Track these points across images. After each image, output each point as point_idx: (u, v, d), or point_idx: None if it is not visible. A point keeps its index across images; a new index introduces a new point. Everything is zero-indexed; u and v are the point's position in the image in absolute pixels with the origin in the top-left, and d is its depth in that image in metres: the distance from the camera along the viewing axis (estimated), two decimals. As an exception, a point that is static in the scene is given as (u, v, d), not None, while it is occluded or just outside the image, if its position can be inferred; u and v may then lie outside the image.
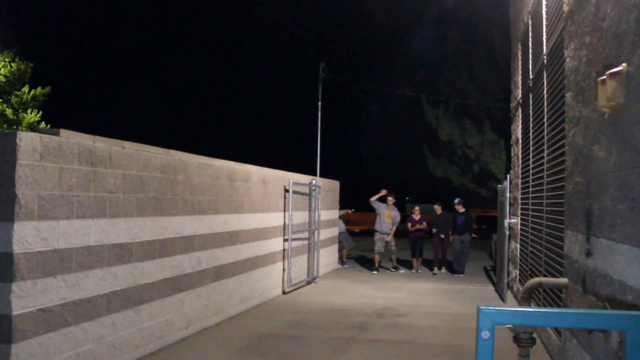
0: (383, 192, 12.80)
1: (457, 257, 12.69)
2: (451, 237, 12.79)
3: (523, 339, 2.81)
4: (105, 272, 5.11)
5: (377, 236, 12.88)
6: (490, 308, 2.25)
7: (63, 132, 4.69)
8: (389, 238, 12.81)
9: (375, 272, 12.75)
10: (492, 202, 19.09)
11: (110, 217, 5.17)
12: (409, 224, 13.17)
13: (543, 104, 6.83)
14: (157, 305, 5.95)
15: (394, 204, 13.12)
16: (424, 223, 13.15)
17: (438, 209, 13.21)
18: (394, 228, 13.02)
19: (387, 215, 12.84)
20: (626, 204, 3.28)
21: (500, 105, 19.71)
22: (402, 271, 12.90)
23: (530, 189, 8.01)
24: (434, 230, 12.98)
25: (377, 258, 13.06)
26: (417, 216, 13.16)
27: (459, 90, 22.90)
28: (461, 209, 12.71)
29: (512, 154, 10.87)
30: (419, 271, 12.91)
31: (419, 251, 13.06)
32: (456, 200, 12.87)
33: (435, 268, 12.89)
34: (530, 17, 8.11)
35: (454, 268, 12.68)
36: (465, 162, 23.42)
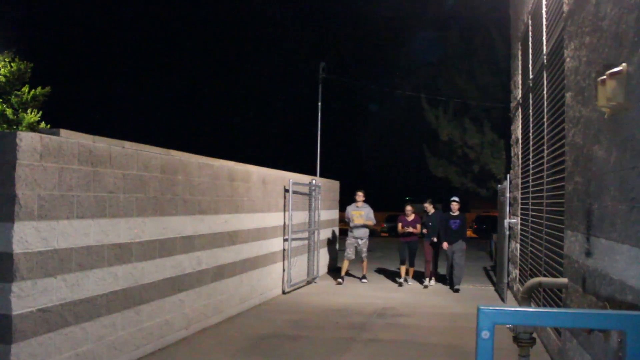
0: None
1: (449, 270, 10.66)
2: (443, 243, 10.70)
3: (523, 339, 2.81)
4: (105, 272, 5.11)
5: (348, 240, 11.30)
6: (490, 308, 2.25)
7: (63, 132, 4.69)
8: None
9: (340, 281, 11.05)
10: (492, 202, 19.09)
11: (110, 217, 5.17)
12: (400, 225, 11.11)
13: (543, 104, 6.83)
14: (157, 305, 5.95)
15: (364, 200, 11.29)
16: (418, 226, 10.98)
17: (429, 207, 11.14)
18: (369, 222, 11.26)
19: (356, 217, 11.16)
20: (626, 204, 3.28)
21: (500, 105, 19.72)
22: (365, 281, 11.32)
23: (530, 189, 8.00)
24: (425, 231, 10.97)
25: (345, 265, 11.28)
26: (409, 217, 11.06)
27: (459, 90, 22.92)
28: (455, 212, 10.65)
29: (512, 154, 10.86)
30: (409, 283, 11.08)
31: (411, 260, 11.02)
32: (454, 198, 10.84)
33: (426, 280, 10.94)
34: (530, 17, 8.11)
35: (450, 284, 10.64)
36: (465, 162, 23.42)
